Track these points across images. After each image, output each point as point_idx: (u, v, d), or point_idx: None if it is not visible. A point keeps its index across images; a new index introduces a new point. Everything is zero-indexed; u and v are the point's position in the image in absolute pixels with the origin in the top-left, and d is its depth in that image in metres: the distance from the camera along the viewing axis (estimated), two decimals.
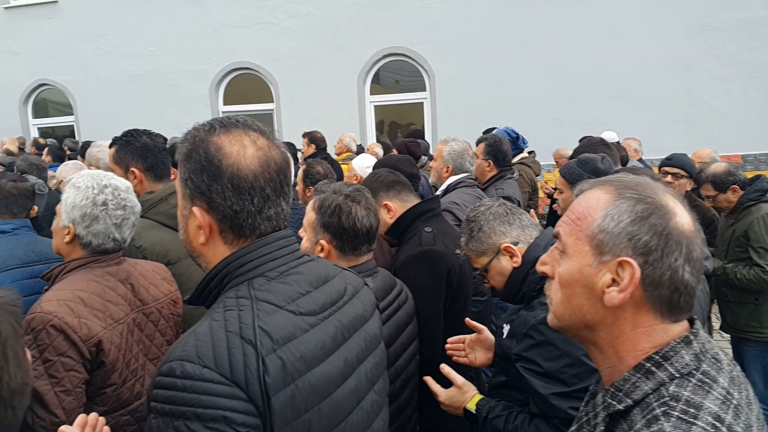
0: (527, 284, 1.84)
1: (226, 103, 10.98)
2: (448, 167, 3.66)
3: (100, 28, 11.06)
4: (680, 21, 8.67)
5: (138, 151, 2.57)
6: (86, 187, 1.96)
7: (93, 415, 1.36)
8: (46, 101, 12.18)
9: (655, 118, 8.74)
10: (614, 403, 0.94)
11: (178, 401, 0.98)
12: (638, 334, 0.95)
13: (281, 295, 1.14)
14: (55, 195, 4.44)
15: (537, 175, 5.45)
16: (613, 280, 0.94)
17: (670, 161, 4.17)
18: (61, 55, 11.35)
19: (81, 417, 1.34)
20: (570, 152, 7.54)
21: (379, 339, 1.41)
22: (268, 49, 10.37)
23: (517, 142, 4.92)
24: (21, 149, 9.08)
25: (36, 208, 3.03)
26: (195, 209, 1.16)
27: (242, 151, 1.14)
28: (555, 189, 6.12)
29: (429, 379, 1.97)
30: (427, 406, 2.18)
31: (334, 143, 7.08)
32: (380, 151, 6.39)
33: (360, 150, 6.76)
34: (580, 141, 7.43)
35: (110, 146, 2.65)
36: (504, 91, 9.30)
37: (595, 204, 0.98)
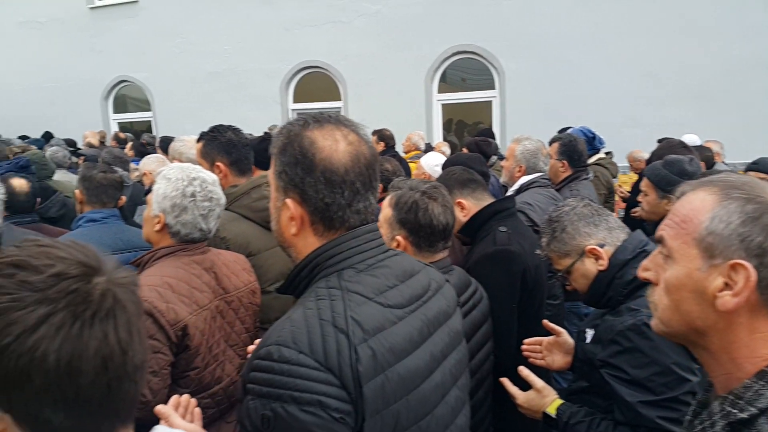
0: (613, 288, 1.79)
1: (295, 101, 11.20)
2: (520, 167, 3.59)
3: (178, 27, 11.50)
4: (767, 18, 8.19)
5: (223, 146, 2.65)
6: (176, 179, 2.05)
7: (185, 396, 1.42)
8: (125, 97, 12.78)
9: (739, 120, 8.27)
10: (735, 411, 0.90)
11: (275, 384, 1.02)
12: (756, 340, 0.91)
13: (370, 287, 1.16)
14: (138, 187, 4.65)
15: (613, 177, 5.28)
16: (726, 284, 0.90)
17: (757, 165, 3.95)
18: (140, 53, 11.87)
19: (174, 398, 1.40)
20: (646, 155, 7.27)
21: (462, 336, 1.40)
22: (337, 47, 10.50)
23: (593, 142, 4.77)
24: (102, 143, 9.56)
25: (124, 198, 3.18)
26: (288, 201, 1.19)
27: (334, 146, 1.17)
28: (630, 193, 5.93)
29: (506, 381, 1.94)
30: (501, 408, 2.15)
31: (400, 141, 7.10)
32: (447, 150, 6.36)
33: (428, 148, 6.74)
34: (658, 142, 7.16)
35: (198, 141, 2.74)
36: (576, 90, 9.04)
37: (700, 206, 0.95)
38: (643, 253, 1.80)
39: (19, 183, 3.36)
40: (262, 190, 2.58)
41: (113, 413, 0.76)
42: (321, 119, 1.21)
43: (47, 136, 10.06)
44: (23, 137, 9.83)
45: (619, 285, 1.77)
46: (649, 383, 1.61)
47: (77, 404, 0.71)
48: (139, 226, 3.44)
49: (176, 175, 2.05)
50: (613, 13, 8.86)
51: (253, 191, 2.57)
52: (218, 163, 2.65)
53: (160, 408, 1.30)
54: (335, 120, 1.22)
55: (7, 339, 0.67)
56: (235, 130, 2.75)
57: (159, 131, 11.47)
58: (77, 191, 3.04)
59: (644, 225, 3.09)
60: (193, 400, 1.45)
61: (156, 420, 1.27)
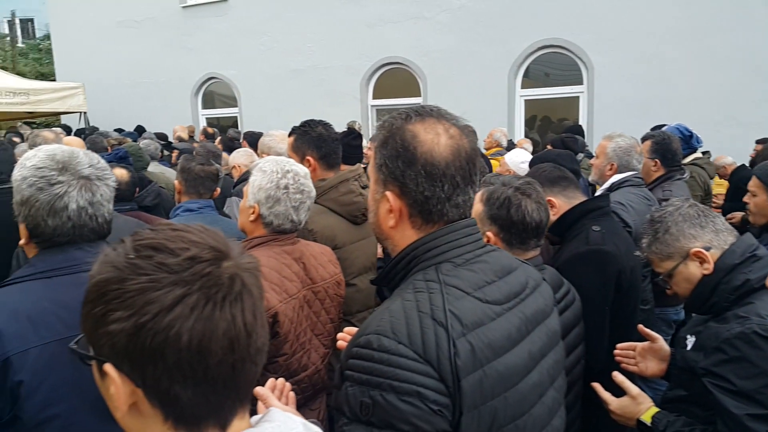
0: (718, 294, 1.69)
1: (375, 97, 11.30)
2: (612, 164, 3.46)
3: (264, 25, 11.85)
4: None
5: (314, 140, 2.72)
6: (271, 172, 2.11)
7: (281, 380, 1.46)
8: (213, 93, 13.31)
9: None
10: None
11: (375, 372, 1.03)
12: None
13: (468, 282, 1.16)
14: (227, 180, 4.83)
15: (711, 178, 4.99)
16: None
17: None
18: (229, 51, 12.32)
19: (271, 380, 1.44)
20: (730, 159, 6.82)
21: (559, 336, 1.37)
22: (419, 43, 10.49)
23: (690, 141, 4.52)
24: (190, 137, 10.02)
25: (219, 190, 3.31)
26: (388, 193, 1.20)
27: (436, 139, 1.17)
28: (725, 200, 5.59)
29: (598, 386, 1.87)
30: (590, 413, 2.08)
31: (482, 138, 7.00)
32: (529, 147, 6.22)
33: (510, 145, 6.61)
34: (756, 143, 6.67)
35: (289, 135, 2.83)
36: (670, 86, 8.58)
37: None
38: (753, 258, 1.69)
39: (121, 173, 3.57)
40: (350, 184, 2.62)
41: (235, 393, 0.78)
42: (423, 113, 1.21)
43: (140, 130, 10.64)
44: (118, 130, 10.45)
45: (725, 291, 1.67)
46: (758, 395, 1.51)
47: (205, 382, 0.74)
48: (228, 218, 3.60)
49: (271, 167, 2.12)
50: (712, 7, 8.34)
51: (340, 185, 2.62)
52: (308, 157, 2.72)
53: (258, 390, 1.34)
54: (437, 113, 1.22)
55: (145, 317, 0.71)
56: (325, 125, 2.81)
57: (244, 126, 11.87)
58: (176, 182, 3.20)
59: (749, 229, 2.90)
60: (288, 384, 1.49)
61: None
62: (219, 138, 7.95)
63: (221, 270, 0.75)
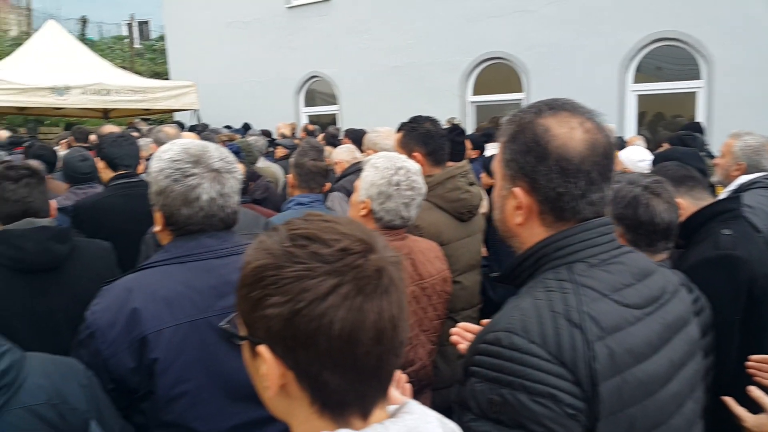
0: None
1: (474, 93, 11.17)
2: (739, 164, 3.21)
3: (365, 23, 12.03)
4: None
5: (421, 136, 2.72)
6: (384, 168, 2.13)
7: (397, 371, 1.47)
8: (314, 92, 13.70)
9: None
10: None
11: (505, 370, 1.01)
12: None
13: (604, 284, 1.11)
14: (330, 176, 4.94)
15: None
16: None
17: None
18: (330, 50, 12.62)
19: None
20: None
21: (697, 345, 1.28)
22: (522, 37, 10.24)
23: None
24: (292, 134, 10.37)
25: (329, 184, 3.40)
26: (516, 190, 1.17)
27: (570, 133, 1.13)
28: None
29: (731, 401, 1.74)
30: (717, 428, 1.94)
31: None
32: (642, 144, 5.89)
33: (620, 142, 6.30)
34: None
35: (397, 131, 2.84)
36: None
37: None
38: None
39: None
40: (456, 180, 2.60)
41: (378, 383, 0.80)
42: (555, 106, 1.17)
43: (246, 127, 11.15)
44: (227, 127, 10.99)
45: None
46: None
47: (352, 371, 0.76)
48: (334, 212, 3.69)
49: (384, 164, 2.14)
50: None
51: (447, 182, 2.60)
52: (415, 153, 2.72)
53: None
54: (571, 107, 1.17)
55: (301, 304, 0.73)
56: (433, 121, 2.80)
57: (343, 123, 12.12)
58: (290, 176, 3.32)
59: None
60: (404, 375, 1.49)
61: None
62: (322, 134, 8.17)
63: (370, 262, 0.77)
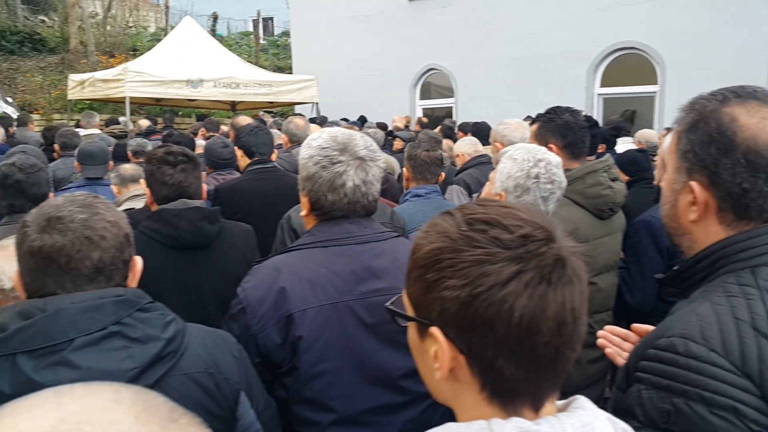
0: None
1: (602, 85, 10.65)
2: None
3: (488, 14, 11.81)
4: None
5: (559, 128, 2.62)
6: (522, 160, 2.06)
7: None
8: (429, 84, 13.68)
9: None
10: None
11: (680, 379, 0.95)
12: None
13: None
14: (451, 168, 4.93)
15: None
16: None
17: None
18: (449, 42, 12.52)
19: None
20: None
21: None
22: (658, 26, 9.59)
23: None
24: (406, 127, 10.42)
25: (443, 174, 3.39)
26: (692, 183, 1.09)
27: (761, 124, 1.03)
28: None
29: None
30: None
31: None
32: None
33: None
34: None
35: (532, 123, 2.76)
36: None
37: None
38: None
39: None
40: (598, 176, 2.47)
41: (553, 376, 0.78)
42: (743, 94, 1.08)
43: (362, 120, 11.34)
44: (344, 119, 11.25)
45: None
46: None
47: (529, 360, 0.74)
48: (452, 205, 3.67)
49: (522, 155, 2.07)
50: None
51: (588, 176, 2.48)
52: (551, 145, 2.62)
53: None
54: (762, 95, 1.07)
55: (480, 288, 0.73)
56: (573, 112, 2.69)
57: (458, 117, 12.02)
58: (404, 169, 3.34)
59: None
60: None
61: None
62: (439, 127, 8.17)
63: (553, 250, 0.75)
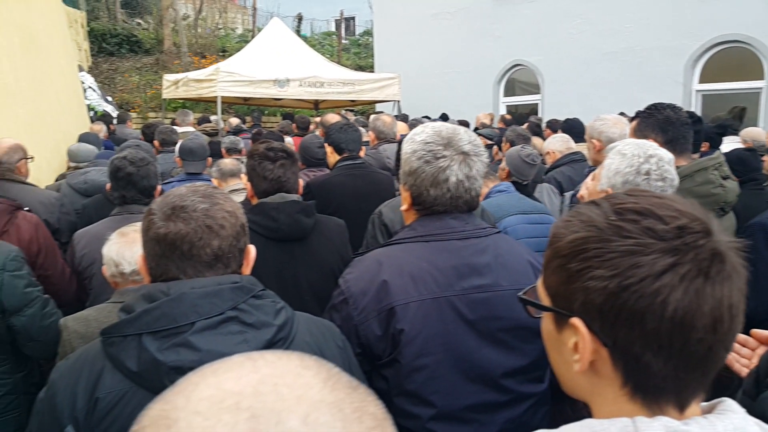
0: None
1: (701, 81, 10.08)
2: None
3: (578, 8, 11.43)
4: None
5: (659, 123, 2.52)
6: (632, 155, 1.97)
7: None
8: (514, 81, 13.41)
9: None
10: None
11: None
12: None
13: None
14: (541, 167, 4.81)
15: None
16: None
17: None
18: (536, 37, 12.22)
19: None
20: None
21: None
22: (765, 16, 8.97)
23: None
24: (490, 125, 10.26)
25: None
26: None
27: None
28: None
29: None
30: None
31: None
32: None
33: None
34: None
35: (632, 119, 2.67)
36: None
37: None
38: None
39: None
40: (708, 173, 2.34)
41: (702, 375, 0.74)
42: None
43: (444, 117, 11.25)
44: (426, 117, 11.21)
45: None
46: None
47: (679, 357, 0.71)
48: (537, 200, 3.62)
49: (632, 151, 1.98)
50: None
51: (697, 174, 2.35)
52: (651, 141, 2.51)
53: None
54: None
55: (631, 279, 0.70)
56: (674, 108, 2.58)
57: (545, 114, 11.71)
58: (500, 168, 3.35)
59: None
60: None
61: None
62: (526, 124, 7.99)
63: (711, 244, 0.71)
